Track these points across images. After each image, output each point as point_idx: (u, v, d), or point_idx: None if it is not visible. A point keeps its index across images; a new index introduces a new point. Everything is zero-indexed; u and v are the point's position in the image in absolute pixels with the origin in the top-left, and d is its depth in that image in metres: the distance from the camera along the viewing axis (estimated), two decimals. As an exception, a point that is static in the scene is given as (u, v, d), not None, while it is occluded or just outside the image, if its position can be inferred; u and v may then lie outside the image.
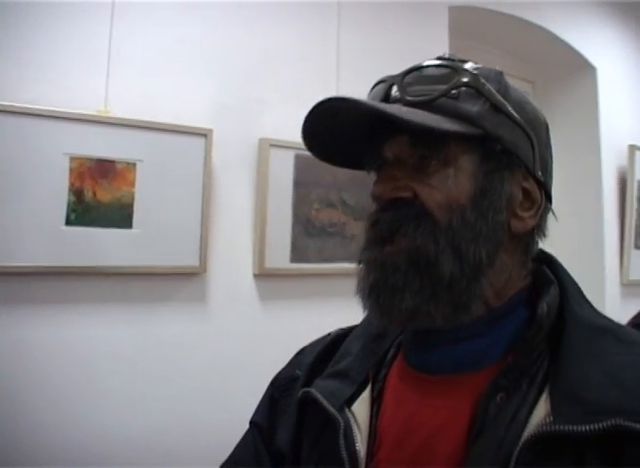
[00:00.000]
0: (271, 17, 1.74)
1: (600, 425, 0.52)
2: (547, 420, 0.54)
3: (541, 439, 0.54)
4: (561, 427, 0.53)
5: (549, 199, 0.69)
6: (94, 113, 1.41)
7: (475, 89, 0.63)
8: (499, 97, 0.64)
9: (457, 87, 0.63)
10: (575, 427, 0.53)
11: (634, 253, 2.76)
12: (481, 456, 0.57)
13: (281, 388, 0.83)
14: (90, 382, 1.42)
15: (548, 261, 0.71)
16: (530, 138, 0.65)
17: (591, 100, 2.77)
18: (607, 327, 0.63)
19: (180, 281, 1.56)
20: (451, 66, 0.65)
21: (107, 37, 1.45)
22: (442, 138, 0.63)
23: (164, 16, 1.56)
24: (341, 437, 0.66)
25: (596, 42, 2.78)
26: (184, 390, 1.54)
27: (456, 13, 2.18)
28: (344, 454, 0.65)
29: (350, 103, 0.61)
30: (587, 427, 0.52)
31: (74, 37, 1.42)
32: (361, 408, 0.69)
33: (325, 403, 0.69)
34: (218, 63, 1.64)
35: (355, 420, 0.67)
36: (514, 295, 0.66)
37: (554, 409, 0.55)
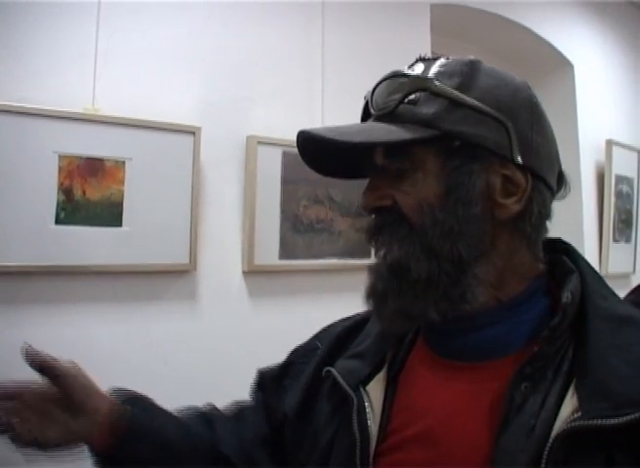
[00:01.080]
0: (257, 16, 1.75)
1: (627, 418, 0.53)
2: (576, 416, 0.55)
3: (571, 435, 0.55)
4: (589, 422, 0.54)
5: (542, 178, 0.68)
6: (82, 112, 1.40)
7: (429, 91, 0.65)
8: (455, 93, 0.65)
9: (410, 93, 0.66)
10: (603, 421, 0.54)
11: (613, 246, 2.82)
12: (512, 446, 0.58)
13: (299, 355, 0.88)
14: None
15: (567, 252, 0.72)
16: (503, 124, 0.65)
17: (569, 97, 2.82)
18: (631, 317, 0.64)
19: (171, 278, 1.56)
20: (403, 75, 0.67)
21: (94, 35, 1.45)
22: (406, 146, 0.65)
23: (151, 14, 1.56)
24: (355, 414, 0.69)
25: (573, 39, 2.84)
26: (175, 387, 1.54)
27: (437, 11, 2.21)
28: (356, 430, 0.68)
29: (310, 136, 0.67)
30: (615, 421, 0.53)
31: (61, 35, 1.42)
32: (376, 388, 0.72)
33: (342, 381, 0.73)
34: (205, 62, 1.65)
35: (369, 399, 0.71)
36: (531, 284, 0.68)
37: (582, 404, 0.56)
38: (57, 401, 0.76)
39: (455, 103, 0.64)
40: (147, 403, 0.86)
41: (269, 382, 0.90)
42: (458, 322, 0.68)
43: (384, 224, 0.68)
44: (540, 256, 0.70)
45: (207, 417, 0.89)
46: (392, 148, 0.66)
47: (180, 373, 1.55)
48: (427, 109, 0.64)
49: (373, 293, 0.69)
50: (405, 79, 0.67)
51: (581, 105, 2.81)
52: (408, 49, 2.01)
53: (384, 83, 0.69)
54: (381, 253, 0.68)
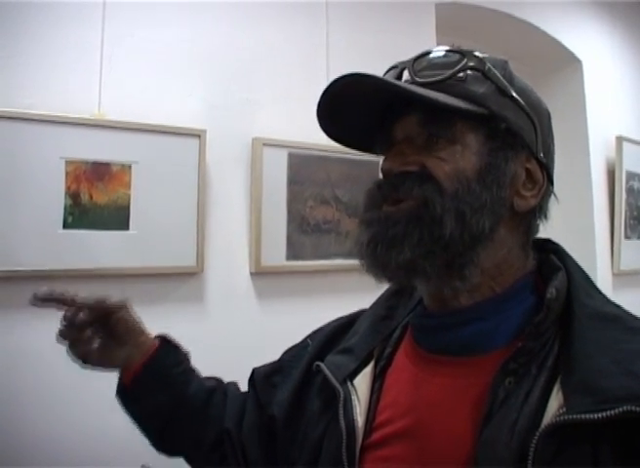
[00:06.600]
0: (261, 17, 1.76)
1: (612, 412, 0.53)
2: (561, 411, 0.55)
3: (557, 429, 0.54)
4: (574, 416, 0.54)
5: (551, 182, 0.72)
6: (88, 117, 1.42)
7: (481, 72, 0.67)
8: (504, 81, 0.68)
9: (464, 69, 0.67)
10: (587, 416, 0.53)
11: (624, 243, 2.80)
12: (494, 440, 0.58)
13: (291, 353, 0.90)
14: (89, 384, 1.42)
15: (555, 251, 0.73)
16: (533, 122, 0.69)
17: (578, 93, 2.80)
18: (616, 315, 0.64)
19: (178, 281, 1.57)
20: (459, 51, 0.68)
21: (99, 41, 1.46)
22: (450, 117, 0.66)
23: (155, 18, 1.57)
24: (341, 407, 0.70)
25: (580, 35, 2.82)
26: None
27: (443, 9, 2.21)
28: (342, 423, 0.68)
29: (370, 79, 0.64)
30: (599, 415, 0.53)
31: (66, 42, 1.43)
32: (362, 382, 0.73)
33: (329, 375, 0.74)
34: (209, 64, 1.66)
35: (356, 393, 0.71)
36: (520, 279, 0.69)
37: (567, 399, 0.56)
38: (107, 327, 0.86)
39: (500, 90, 0.67)
40: (182, 356, 0.93)
41: (260, 379, 0.91)
42: (445, 317, 0.69)
43: (410, 179, 0.66)
44: (532, 254, 0.72)
45: (225, 390, 0.96)
46: (433, 117, 0.66)
47: (188, 375, 1.55)
48: (477, 88, 0.67)
49: (380, 238, 0.65)
50: (457, 55, 0.68)
51: (591, 102, 2.79)
52: (413, 48, 1.99)
53: (431, 55, 0.70)
54: (404, 200, 0.65)
